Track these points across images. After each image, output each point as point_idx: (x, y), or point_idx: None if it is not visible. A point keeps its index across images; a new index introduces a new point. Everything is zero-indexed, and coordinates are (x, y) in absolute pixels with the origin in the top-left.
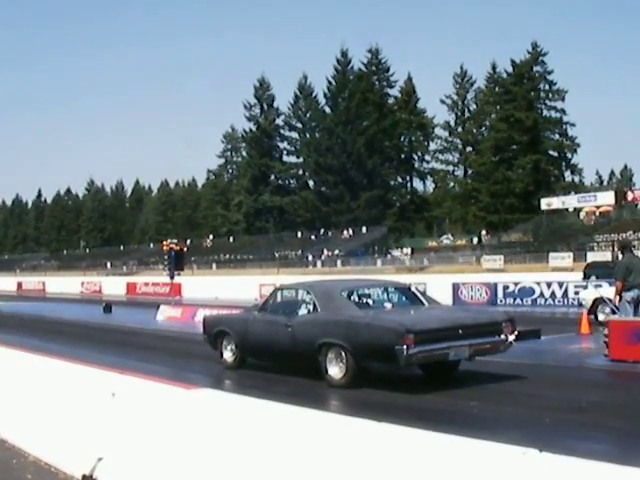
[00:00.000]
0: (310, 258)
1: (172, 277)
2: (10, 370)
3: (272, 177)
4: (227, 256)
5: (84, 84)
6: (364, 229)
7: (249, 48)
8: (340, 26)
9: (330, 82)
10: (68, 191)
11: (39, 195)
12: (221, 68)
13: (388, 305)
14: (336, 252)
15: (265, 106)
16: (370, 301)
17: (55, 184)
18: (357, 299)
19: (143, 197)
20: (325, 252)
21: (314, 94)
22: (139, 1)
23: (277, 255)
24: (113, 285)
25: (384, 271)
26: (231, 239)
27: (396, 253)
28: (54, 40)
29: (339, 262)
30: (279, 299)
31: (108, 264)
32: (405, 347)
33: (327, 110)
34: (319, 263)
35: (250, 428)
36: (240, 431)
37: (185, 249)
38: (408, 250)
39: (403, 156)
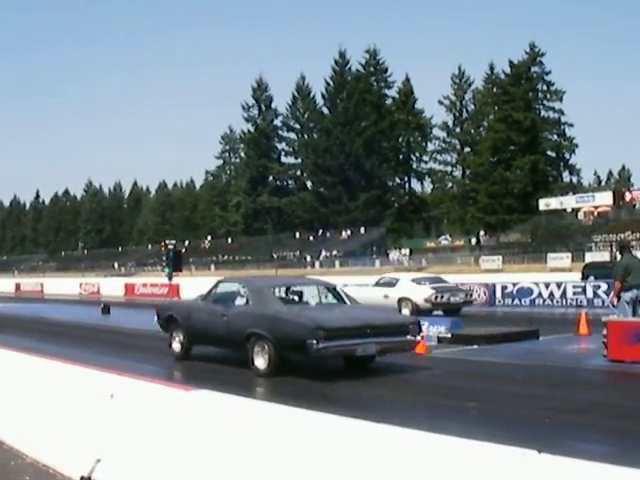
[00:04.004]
0: (308, 259)
1: (170, 278)
2: (8, 371)
3: (270, 178)
4: (225, 257)
5: (83, 85)
6: (362, 230)
7: (247, 49)
8: (338, 27)
9: (328, 83)
10: (66, 192)
11: (37, 196)
12: (219, 69)
13: (313, 303)
14: (334, 253)
15: (263, 107)
16: (297, 298)
17: (53, 185)
18: (285, 296)
19: (141, 198)
20: (323, 253)
21: (312, 95)
22: (136, 1)
23: (275, 256)
24: (111, 286)
25: (382, 272)
26: (229, 240)
27: (394, 254)
28: (52, 39)
29: (337, 263)
30: (220, 290)
31: (106, 265)
32: (315, 341)
33: (325, 111)
34: (317, 264)
35: (249, 430)
36: (239, 433)
37: (183, 250)
38: (406, 251)
39: (401, 157)
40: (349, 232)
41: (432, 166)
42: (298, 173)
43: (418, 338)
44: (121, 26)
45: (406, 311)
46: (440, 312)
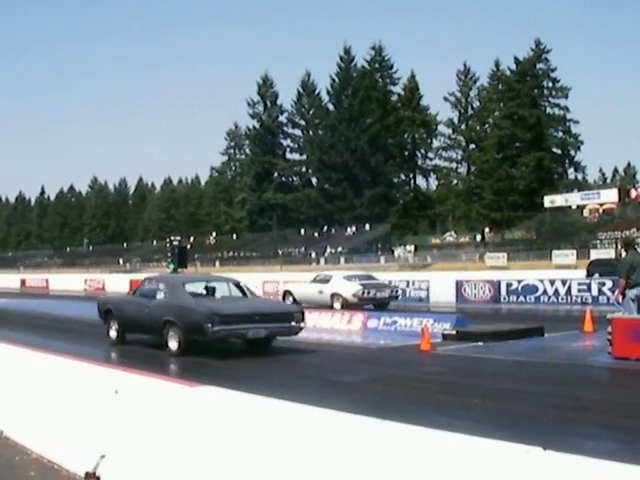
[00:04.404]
0: (313, 255)
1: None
2: (13, 367)
3: (275, 174)
4: (230, 253)
5: (88, 81)
6: (367, 226)
7: (252, 45)
8: (343, 23)
9: (333, 79)
10: (71, 188)
11: (42, 192)
12: (225, 65)
13: (219, 296)
14: (339, 249)
15: (268, 103)
16: (205, 292)
17: (58, 181)
18: (194, 290)
19: (146, 194)
20: (328, 249)
21: (317, 91)
22: None
23: (280, 252)
24: (116, 282)
25: (387, 268)
26: (234, 236)
27: (399, 250)
28: (57, 36)
29: (342, 259)
30: (145, 287)
31: (111, 261)
32: (210, 325)
33: (330, 107)
34: (322, 260)
35: (254, 426)
36: (244, 429)
37: (188, 246)
38: (411, 247)
39: (406, 153)
40: (354, 229)
41: (437, 163)
42: (303, 169)
43: (302, 325)
44: (126, 23)
45: (337, 305)
46: (371, 306)
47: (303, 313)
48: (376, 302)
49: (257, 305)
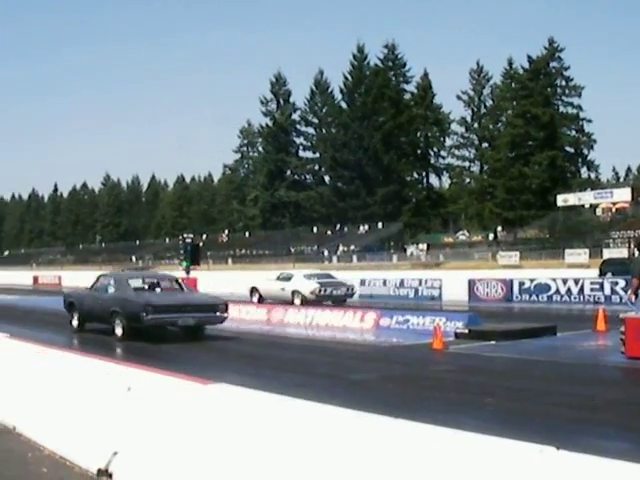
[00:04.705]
0: (326, 253)
1: (188, 272)
2: (25, 364)
3: (288, 172)
4: (243, 251)
5: (100, 78)
6: (380, 225)
7: (265, 43)
8: (356, 21)
9: (346, 77)
10: (84, 185)
11: (55, 189)
12: (238, 63)
13: (158, 290)
14: (352, 247)
15: (281, 101)
16: (146, 286)
17: (71, 178)
18: (137, 285)
19: (159, 192)
20: (341, 247)
21: (330, 89)
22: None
23: (293, 250)
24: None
25: (400, 267)
26: (247, 234)
27: (412, 249)
28: (71, 33)
29: (355, 257)
30: (100, 282)
31: (124, 258)
32: (145, 314)
33: (343, 105)
34: (335, 258)
35: (266, 423)
36: (256, 426)
37: (201, 244)
38: (424, 246)
39: (419, 152)
40: (367, 227)
41: (450, 161)
42: (316, 167)
43: (225, 315)
44: (139, 20)
45: (297, 301)
46: (329, 302)
47: (227, 305)
48: (333, 299)
49: (187, 297)
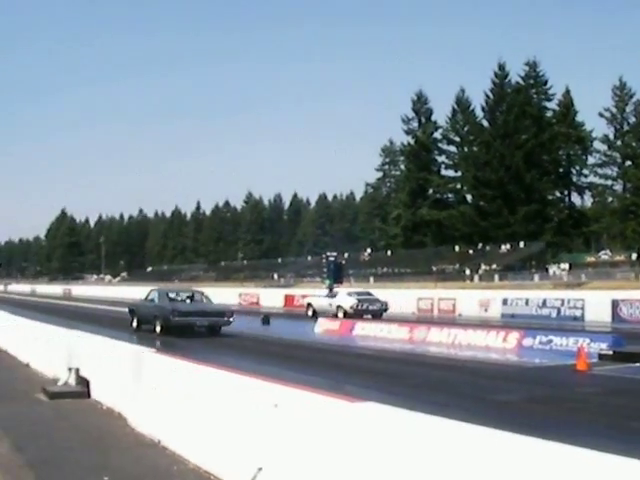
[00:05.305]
0: (467, 272)
1: (331, 290)
2: (172, 378)
3: (430, 191)
4: (384, 269)
5: (246, 99)
6: (522, 244)
7: (407, 62)
8: (497, 39)
9: (488, 95)
10: (227, 203)
11: (198, 207)
12: (380, 82)
13: (188, 300)
14: (493, 266)
15: (423, 119)
16: (179, 298)
17: (214, 196)
18: (172, 296)
19: (301, 210)
20: (482, 266)
21: (472, 107)
22: (310, 18)
23: (434, 269)
24: (271, 297)
25: (541, 286)
26: (389, 252)
27: (554, 268)
28: (223, 51)
29: (496, 277)
30: (149, 295)
31: (265, 276)
32: (172, 317)
33: (485, 124)
34: (476, 277)
35: (416, 443)
36: (405, 447)
37: (343, 262)
38: (566, 265)
39: (561, 170)
40: (508, 246)
41: (592, 180)
42: (458, 186)
43: (231, 319)
44: (282, 46)
45: (340, 314)
46: (369, 316)
47: (232, 312)
48: (369, 313)
49: (204, 306)
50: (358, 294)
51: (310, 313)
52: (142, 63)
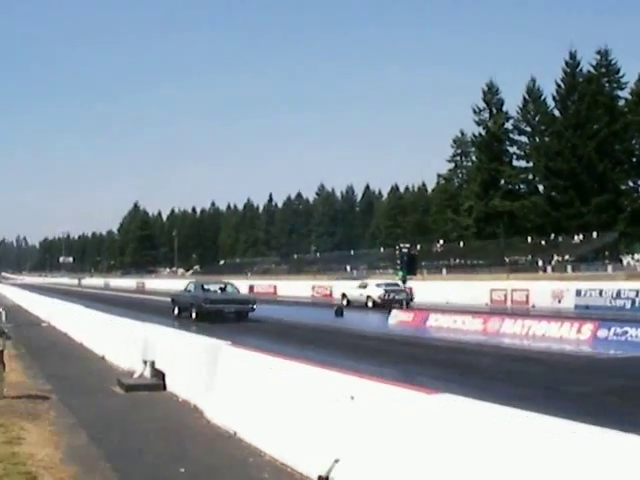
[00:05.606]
0: (540, 263)
1: (405, 281)
2: (248, 371)
3: (502, 182)
4: (457, 261)
5: (318, 95)
6: (595, 234)
7: (477, 52)
8: (568, 28)
9: (559, 85)
10: (299, 195)
11: (270, 199)
12: (449, 72)
13: (219, 291)
14: (566, 257)
15: (494, 110)
16: (211, 289)
17: (286, 189)
18: (205, 287)
19: (373, 202)
20: (555, 257)
21: (543, 97)
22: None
23: (507, 260)
24: (343, 289)
25: (615, 277)
26: (461, 244)
27: (628, 259)
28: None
29: (569, 268)
30: (187, 286)
31: (338, 268)
32: (204, 304)
33: (556, 113)
34: (549, 268)
35: (494, 435)
36: (483, 439)
37: (416, 253)
38: (639, 256)
39: (634, 160)
40: (581, 236)
41: None
42: (530, 177)
43: (254, 307)
44: (352, 48)
45: (370, 304)
46: (396, 305)
47: (255, 301)
48: (395, 302)
49: (232, 295)
50: (386, 285)
51: (345, 302)
52: (218, 60)
